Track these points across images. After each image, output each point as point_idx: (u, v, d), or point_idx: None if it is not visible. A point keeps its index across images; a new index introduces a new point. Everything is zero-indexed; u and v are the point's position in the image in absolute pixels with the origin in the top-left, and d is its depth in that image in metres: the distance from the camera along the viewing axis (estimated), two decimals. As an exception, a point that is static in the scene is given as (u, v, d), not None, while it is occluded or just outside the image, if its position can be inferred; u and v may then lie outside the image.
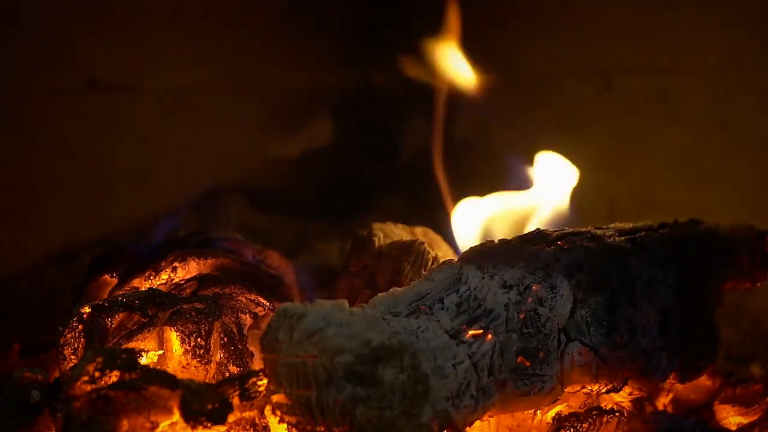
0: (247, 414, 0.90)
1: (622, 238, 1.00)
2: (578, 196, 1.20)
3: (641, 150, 1.61)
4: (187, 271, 1.11)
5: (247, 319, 1.06)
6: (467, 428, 0.90)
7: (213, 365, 1.00)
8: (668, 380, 1.00)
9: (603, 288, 0.95)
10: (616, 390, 0.97)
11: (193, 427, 0.84)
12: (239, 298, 1.07)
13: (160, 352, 0.98)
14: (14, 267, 1.49)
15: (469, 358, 0.85)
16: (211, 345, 1.00)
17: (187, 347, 0.99)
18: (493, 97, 1.41)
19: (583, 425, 0.97)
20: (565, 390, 0.94)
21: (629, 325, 0.95)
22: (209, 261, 1.13)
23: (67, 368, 0.99)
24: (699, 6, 1.51)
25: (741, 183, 1.50)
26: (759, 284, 1.14)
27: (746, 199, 1.49)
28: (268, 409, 0.89)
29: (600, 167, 1.63)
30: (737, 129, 1.51)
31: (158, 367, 0.94)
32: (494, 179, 1.26)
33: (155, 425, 0.84)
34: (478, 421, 0.91)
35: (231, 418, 0.85)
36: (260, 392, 0.87)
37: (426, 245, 1.10)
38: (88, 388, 0.83)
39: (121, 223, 1.60)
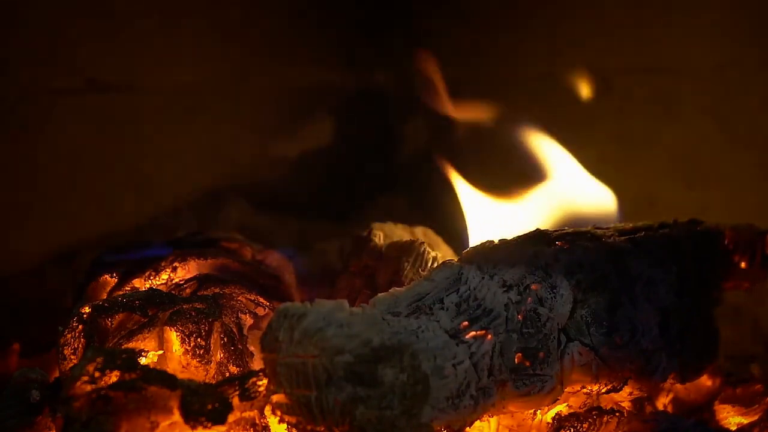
0: (247, 414, 0.90)
1: (622, 238, 1.00)
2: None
3: (641, 150, 1.61)
4: (187, 271, 1.11)
5: (247, 319, 1.06)
6: (467, 428, 0.90)
7: (213, 365, 1.00)
8: (668, 380, 1.00)
9: (603, 288, 0.95)
10: (616, 390, 0.97)
11: (193, 427, 0.84)
12: (239, 298, 1.07)
13: (160, 352, 0.98)
14: (14, 267, 1.49)
15: (469, 358, 0.85)
16: (211, 345, 1.00)
17: (187, 347, 0.99)
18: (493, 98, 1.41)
19: (583, 425, 0.97)
20: (565, 390, 0.94)
21: (629, 325, 0.95)
22: (209, 261, 1.13)
23: (67, 368, 0.99)
24: (699, 6, 1.51)
25: (741, 183, 1.50)
26: (759, 284, 1.14)
27: (746, 199, 1.49)
28: (268, 409, 0.89)
29: (600, 167, 1.63)
30: (737, 129, 1.51)
31: (158, 367, 0.94)
32: (495, 178, 1.27)
33: (155, 425, 0.84)
34: (478, 421, 0.91)
35: (231, 418, 0.85)
36: (260, 392, 0.87)
37: (426, 245, 1.10)
38: (88, 388, 0.83)
39: (121, 223, 1.60)
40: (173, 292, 1.08)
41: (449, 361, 0.84)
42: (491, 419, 0.97)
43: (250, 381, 0.87)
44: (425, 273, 1.02)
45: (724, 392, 1.12)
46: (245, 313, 1.06)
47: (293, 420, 0.83)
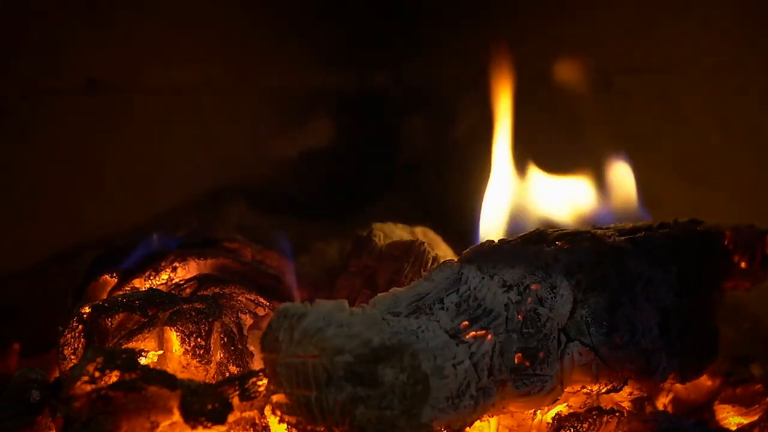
0: (247, 414, 0.90)
1: (622, 238, 1.00)
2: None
3: (641, 150, 1.61)
4: (187, 271, 1.11)
5: (247, 319, 1.06)
6: (467, 428, 0.90)
7: (213, 365, 1.00)
8: (668, 380, 1.00)
9: (603, 288, 0.95)
10: (616, 390, 0.97)
11: (193, 427, 0.84)
12: (239, 298, 1.07)
13: (160, 352, 0.98)
14: (15, 267, 1.49)
15: (469, 358, 0.85)
16: (211, 345, 1.00)
17: (187, 347, 0.99)
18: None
19: (583, 425, 0.97)
20: (565, 390, 0.94)
21: (629, 325, 0.95)
22: (209, 261, 1.13)
23: (67, 368, 0.99)
24: (699, 6, 1.51)
25: (741, 183, 1.50)
26: (759, 284, 1.14)
27: (746, 199, 1.49)
28: (268, 409, 0.89)
29: (600, 167, 1.63)
30: (737, 129, 1.51)
31: (158, 367, 0.94)
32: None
33: (155, 425, 0.84)
34: (478, 421, 0.91)
35: (231, 418, 0.85)
36: (260, 392, 0.87)
37: (426, 245, 1.11)
38: (88, 388, 0.83)
39: (121, 223, 1.60)
40: (173, 292, 1.08)
41: (449, 361, 0.84)
42: (491, 419, 0.97)
43: (250, 381, 0.87)
44: (425, 273, 1.02)
45: (724, 392, 1.12)
46: (245, 313, 1.06)
47: (293, 420, 0.83)
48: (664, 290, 0.99)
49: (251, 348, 1.04)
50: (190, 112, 1.69)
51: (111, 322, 1.02)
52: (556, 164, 1.32)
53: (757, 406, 1.08)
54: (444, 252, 1.22)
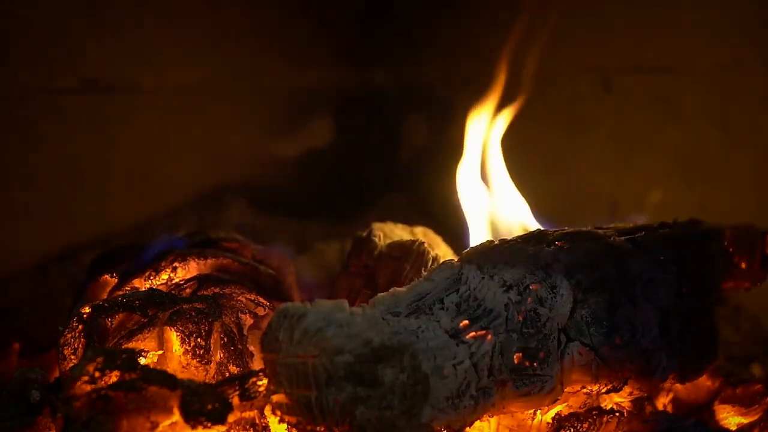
0: (247, 414, 0.90)
1: (622, 238, 1.00)
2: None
3: (641, 150, 1.61)
4: (187, 271, 1.11)
5: (247, 319, 1.06)
6: (467, 428, 0.90)
7: (213, 365, 1.00)
8: (668, 380, 1.00)
9: (603, 288, 0.95)
10: (616, 390, 0.97)
11: (193, 427, 0.84)
12: (239, 298, 1.07)
13: (160, 352, 0.98)
14: (14, 267, 1.49)
15: (469, 358, 0.85)
16: (211, 345, 1.00)
17: (187, 347, 0.99)
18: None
19: (583, 425, 0.97)
20: (565, 390, 0.94)
21: (629, 325, 0.95)
22: (209, 261, 1.12)
23: (67, 368, 0.99)
24: (699, 6, 1.51)
25: (741, 183, 1.50)
26: (759, 284, 1.14)
27: (746, 199, 1.49)
28: (268, 409, 0.89)
29: (600, 167, 1.63)
30: (737, 129, 1.51)
31: (158, 367, 0.94)
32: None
33: (155, 425, 0.84)
34: (478, 421, 0.91)
35: (231, 418, 0.85)
36: (260, 392, 0.87)
37: (426, 245, 1.10)
38: (88, 388, 0.83)
39: (121, 223, 1.60)
40: (173, 292, 1.08)
41: (449, 361, 0.84)
42: (491, 419, 0.97)
43: (250, 381, 0.87)
44: (425, 273, 1.02)
45: (724, 392, 1.12)
46: (245, 313, 1.06)
47: (293, 420, 0.83)
48: (664, 290, 0.99)
49: (251, 348, 1.03)
50: (190, 112, 1.69)
51: (111, 322, 1.02)
52: (554, 164, 1.33)
53: (757, 406, 1.07)
54: (444, 252, 1.22)
